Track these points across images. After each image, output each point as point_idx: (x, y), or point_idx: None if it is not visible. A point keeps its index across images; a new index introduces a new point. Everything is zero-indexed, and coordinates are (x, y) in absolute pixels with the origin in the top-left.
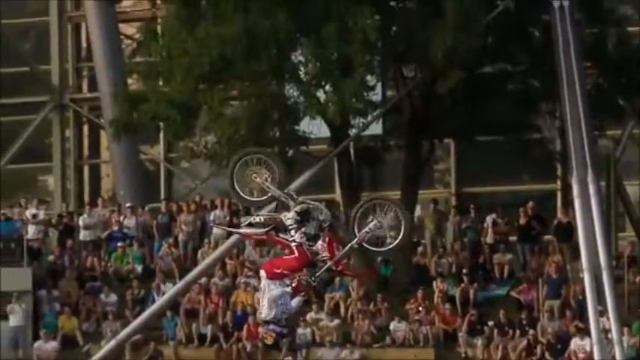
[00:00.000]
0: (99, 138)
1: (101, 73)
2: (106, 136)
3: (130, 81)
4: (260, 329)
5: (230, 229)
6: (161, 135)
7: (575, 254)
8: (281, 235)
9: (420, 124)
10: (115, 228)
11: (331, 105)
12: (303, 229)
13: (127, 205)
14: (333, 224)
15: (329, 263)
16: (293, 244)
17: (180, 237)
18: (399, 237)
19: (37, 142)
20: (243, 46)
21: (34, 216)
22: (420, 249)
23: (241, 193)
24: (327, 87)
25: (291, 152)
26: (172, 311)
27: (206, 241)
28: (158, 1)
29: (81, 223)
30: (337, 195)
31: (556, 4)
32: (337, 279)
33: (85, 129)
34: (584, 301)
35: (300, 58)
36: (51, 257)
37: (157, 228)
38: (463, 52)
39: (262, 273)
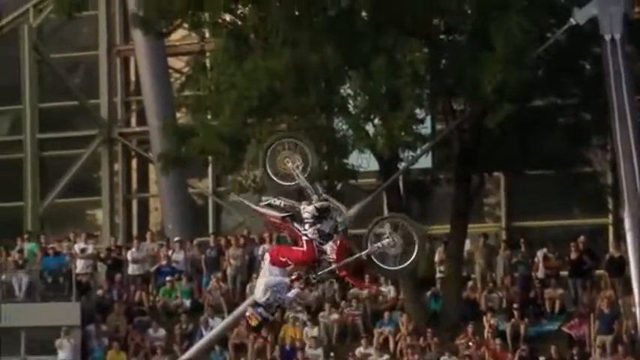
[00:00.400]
0: (147, 172)
1: (150, 107)
2: (155, 169)
3: (178, 115)
4: (249, 309)
5: (249, 204)
6: (209, 169)
7: (628, 289)
8: (296, 224)
9: (470, 158)
10: (164, 262)
11: (380, 138)
12: (318, 226)
13: (176, 239)
14: (347, 229)
15: (333, 266)
16: (304, 237)
17: (229, 271)
18: (410, 260)
19: (86, 176)
20: (292, 80)
21: (83, 250)
22: (470, 283)
23: (271, 174)
24: (376, 120)
25: (339, 185)
26: (221, 346)
27: (254, 275)
28: (207, 35)
29: (129, 257)
30: (386, 228)
31: (607, 37)
32: (386, 314)
33: (134, 163)
34: (636, 336)
35: (349, 91)
36: (99, 291)
37: (206, 262)
38: (513, 85)
39: (267, 256)
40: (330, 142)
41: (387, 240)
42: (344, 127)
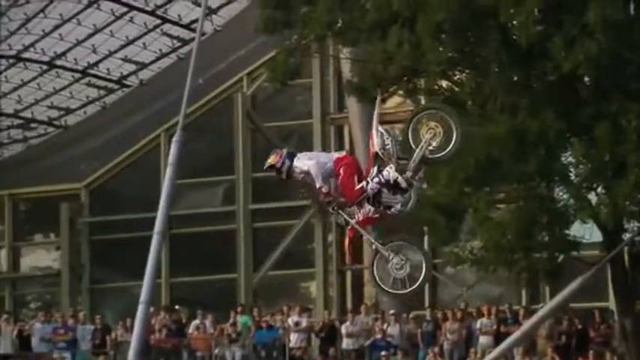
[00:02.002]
0: (361, 243)
1: None
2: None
3: None
4: (285, 150)
5: (374, 123)
6: (425, 239)
7: None
8: (375, 168)
9: None
10: (379, 336)
11: (603, 208)
12: (382, 190)
13: (391, 312)
14: (392, 215)
15: (352, 222)
16: (364, 184)
17: (446, 346)
18: (409, 288)
19: (299, 248)
20: (511, 147)
21: (297, 324)
22: None
23: (409, 131)
24: (599, 189)
25: (561, 258)
26: None
27: (472, 350)
28: (422, 102)
29: (344, 330)
30: (611, 303)
31: None
32: None
33: None
34: None
35: (571, 159)
36: None
37: (422, 336)
38: None
39: (340, 154)
40: (550, 212)
41: (398, 258)
42: (565, 196)
